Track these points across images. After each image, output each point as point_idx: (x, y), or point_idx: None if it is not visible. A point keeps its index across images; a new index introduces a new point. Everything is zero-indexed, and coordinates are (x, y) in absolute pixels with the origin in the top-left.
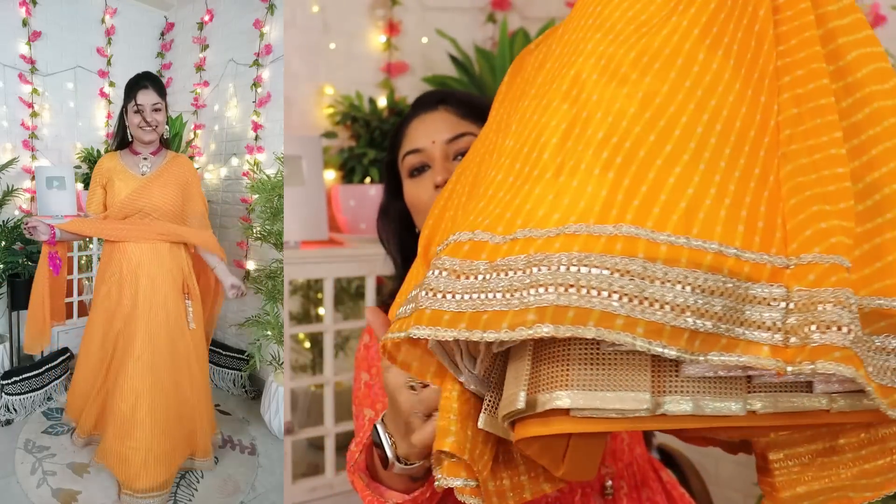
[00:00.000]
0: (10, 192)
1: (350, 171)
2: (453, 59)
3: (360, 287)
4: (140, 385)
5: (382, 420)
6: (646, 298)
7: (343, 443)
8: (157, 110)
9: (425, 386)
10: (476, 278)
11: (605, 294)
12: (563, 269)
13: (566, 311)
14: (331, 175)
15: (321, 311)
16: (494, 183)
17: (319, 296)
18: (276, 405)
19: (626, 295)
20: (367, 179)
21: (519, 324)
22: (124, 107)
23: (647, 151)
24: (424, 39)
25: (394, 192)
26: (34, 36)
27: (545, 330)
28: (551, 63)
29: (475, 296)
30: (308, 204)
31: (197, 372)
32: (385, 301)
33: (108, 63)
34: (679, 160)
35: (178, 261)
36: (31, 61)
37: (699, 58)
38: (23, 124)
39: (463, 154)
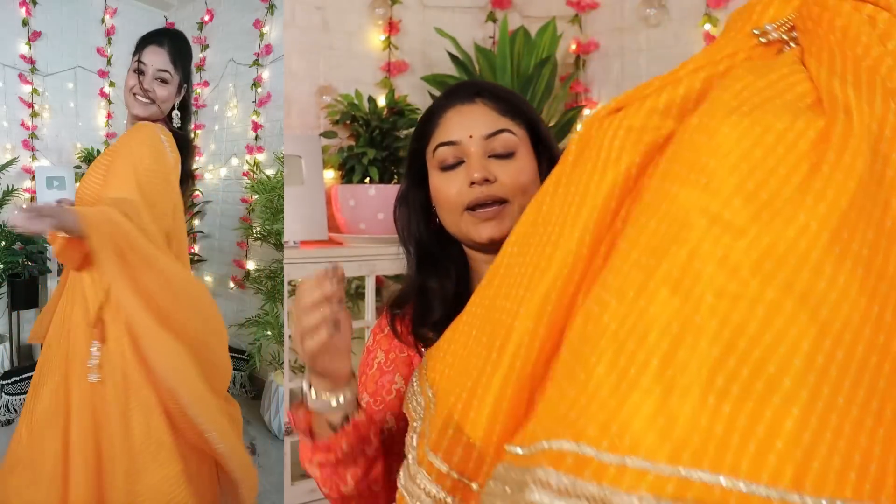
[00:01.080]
0: (10, 192)
1: (350, 171)
2: (453, 57)
3: (360, 287)
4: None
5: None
6: None
7: None
8: (161, 80)
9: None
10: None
11: None
12: None
13: None
14: (330, 175)
15: None
16: (595, 375)
17: None
18: (275, 405)
19: None
20: (367, 179)
21: None
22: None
23: (764, 384)
24: (424, 38)
25: (416, 180)
26: (34, 36)
27: None
28: (656, 222)
29: None
30: (308, 204)
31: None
32: (388, 304)
33: (108, 63)
34: (797, 398)
35: (79, 283)
36: (31, 61)
37: (826, 271)
38: (23, 124)
39: (498, 155)
